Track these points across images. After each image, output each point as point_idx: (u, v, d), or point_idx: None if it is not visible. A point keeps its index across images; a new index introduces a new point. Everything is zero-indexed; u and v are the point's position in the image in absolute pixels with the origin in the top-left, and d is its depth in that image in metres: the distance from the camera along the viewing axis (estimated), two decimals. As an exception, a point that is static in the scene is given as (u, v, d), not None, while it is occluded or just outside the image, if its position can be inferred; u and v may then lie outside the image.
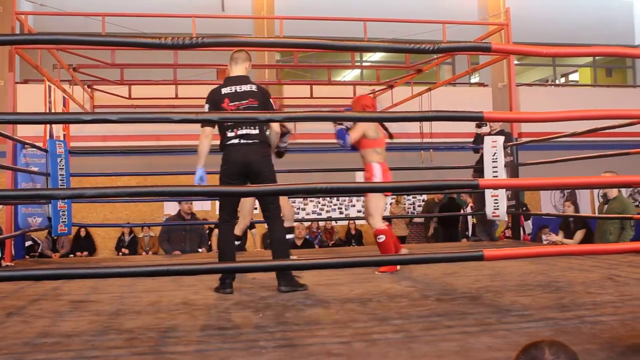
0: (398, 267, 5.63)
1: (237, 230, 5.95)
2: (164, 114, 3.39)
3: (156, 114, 3.49)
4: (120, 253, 12.31)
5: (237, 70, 5.07)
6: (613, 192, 7.91)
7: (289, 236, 5.87)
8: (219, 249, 5.09)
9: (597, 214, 8.72)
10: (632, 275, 5.05)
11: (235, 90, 4.95)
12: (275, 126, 5.23)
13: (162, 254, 9.04)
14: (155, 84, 11.90)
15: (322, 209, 14.44)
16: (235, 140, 4.89)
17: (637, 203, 15.64)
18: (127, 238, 12.61)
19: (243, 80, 5.01)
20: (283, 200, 6.07)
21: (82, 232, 12.67)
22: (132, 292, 4.83)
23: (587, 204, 15.59)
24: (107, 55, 10.53)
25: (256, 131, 4.91)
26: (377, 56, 16.58)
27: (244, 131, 4.88)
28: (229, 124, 4.85)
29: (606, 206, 7.93)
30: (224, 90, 4.96)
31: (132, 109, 11.80)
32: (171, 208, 12.36)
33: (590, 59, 18.35)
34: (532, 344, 1.90)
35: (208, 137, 4.90)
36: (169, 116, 3.34)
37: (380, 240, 5.76)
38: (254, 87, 4.98)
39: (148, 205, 13.26)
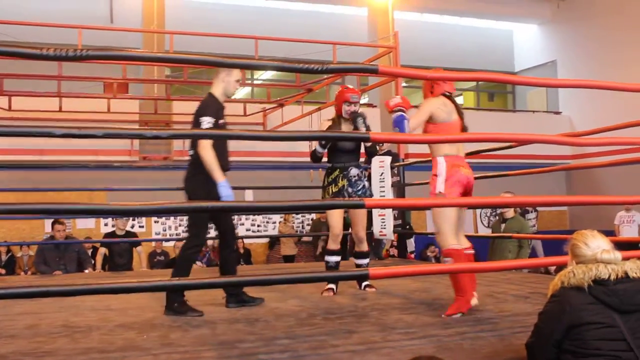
0: (474, 302, 4.34)
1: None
2: (46, 128, 3.29)
3: (37, 127, 3.36)
4: (-4, 273, 11.71)
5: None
6: (510, 212, 8.22)
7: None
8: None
9: (492, 233, 9.02)
10: (510, 292, 5.26)
11: None
12: (200, 144, 4.70)
13: (42, 274, 8.67)
14: (38, 96, 11.46)
15: (210, 227, 14.28)
16: None
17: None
18: (3, 257, 12.00)
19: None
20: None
21: (-46, 252, 11.97)
22: (7, 315, 4.61)
23: (470, 224, 16.15)
24: (-15, 64, 10.08)
25: (192, 151, 4.83)
26: (268, 74, 16.63)
27: None
28: None
29: (504, 225, 8.20)
30: None
31: (12, 122, 11.31)
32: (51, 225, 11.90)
33: (474, 83, 19.09)
34: None
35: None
36: (50, 130, 3.23)
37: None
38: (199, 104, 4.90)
39: (28, 222, 12.69)
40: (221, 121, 4.82)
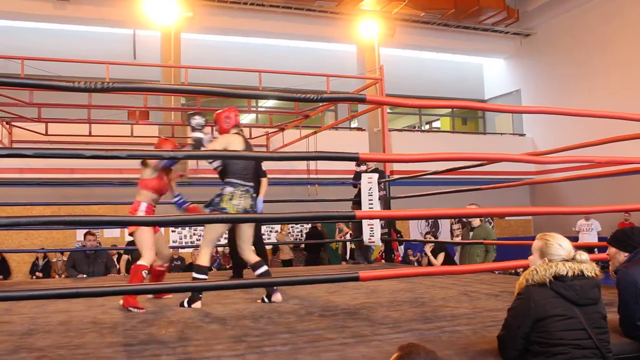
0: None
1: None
2: (77, 150, 3.28)
3: (70, 149, 3.35)
4: (34, 276, 11.65)
5: None
6: (476, 221, 8.12)
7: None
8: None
9: (461, 240, 8.97)
10: (483, 291, 5.24)
11: None
12: None
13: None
14: (71, 122, 11.46)
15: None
16: None
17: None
18: (41, 262, 11.96)
19: None
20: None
21: (-2, 257, 11.92)
22: (43, 313, 4.58)
23: (447, 232, 16.13)
24: (26, 94, 10.09)
25: None
26: (270, 103, 16.67)
27: None
28: None
29: (472, 233, 8.12)
30: None
31: (48, 145, 11.32)
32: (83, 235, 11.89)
33: (449, 110, 19.16)
34: (409, 352, 1.93)
35: None
36: (81, 152, 3.23)
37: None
38: None
39: (62, 232, 12.69)
40: None
